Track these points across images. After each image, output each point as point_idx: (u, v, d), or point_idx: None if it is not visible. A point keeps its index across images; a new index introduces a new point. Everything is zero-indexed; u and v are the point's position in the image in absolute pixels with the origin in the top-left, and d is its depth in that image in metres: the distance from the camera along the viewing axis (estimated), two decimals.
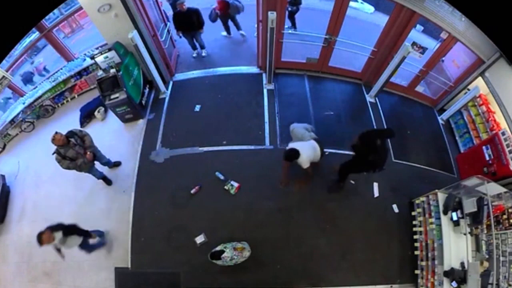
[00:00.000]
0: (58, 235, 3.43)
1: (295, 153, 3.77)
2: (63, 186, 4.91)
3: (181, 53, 6.78)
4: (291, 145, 3.94)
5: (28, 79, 7.40)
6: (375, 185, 4.70)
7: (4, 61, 5.19)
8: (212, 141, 5.03)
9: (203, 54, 6.60)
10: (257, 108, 5.53)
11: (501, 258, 3.62)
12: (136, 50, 4.86)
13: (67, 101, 6.30)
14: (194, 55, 6.62)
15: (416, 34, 7.69)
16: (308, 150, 3.87)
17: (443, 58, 5.86)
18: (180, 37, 6.24)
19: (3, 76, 5.14)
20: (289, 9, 6.58)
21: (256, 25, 5.76)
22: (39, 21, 5.24)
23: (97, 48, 5.80)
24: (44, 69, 7.75)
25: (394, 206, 4.57)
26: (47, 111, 6.14)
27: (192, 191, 4.52)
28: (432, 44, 7.25)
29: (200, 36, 6.35)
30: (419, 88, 6.04)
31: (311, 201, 4.48)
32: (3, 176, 5.36)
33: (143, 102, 5.55)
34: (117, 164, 4.98)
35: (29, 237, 4.67)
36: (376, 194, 4.65)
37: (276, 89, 5.83)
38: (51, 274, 4.32)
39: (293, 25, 7.11)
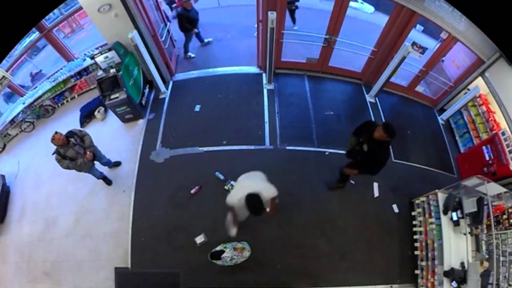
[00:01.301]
0: None
1: (258, 199, 2.92)
2: (63, 186, 4.91)
3: (181, 53, 6.78)
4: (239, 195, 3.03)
5: (9, 96, 7.36)
6: (375, 185, 4.70)
7: (4, 61, 5.21)
8: (212, 141, 5.03)
9: (208, 39, 6.86)
10: (257, 108, 5.52)
11: (501, 258, 3.61)
12: (136, 50, 4.86)
13: (67, 101, 6.30)
14: (193, 55, 6.67)
15: (416, 34, 7.69)
16: (257, 185, 3.12)
17: (443, 58, 5.86)
18: (193, 34, 6.41)
19: (3, 76, 5.13)
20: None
21: (256, 25, 5.76)
22: (39, 21, 5.24)
23: (97, 48, 5.80)
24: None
25: (394, 206, 4.57)
26: (47, 111, 6.14)
27: (192, 191, 4.51)
28: (432, 44, 7.25)
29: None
30: (419, 88, 6.03)
31: (311, 201, 4.48)
32: (3, 176, 5.36)
33: (143, 102, 5.55)
34: (117, 164, 4.97)
35: (29, 237, 4.70)
36: (376, 194, 4.64)
37: (276, 89, 5.83)
38: (51, 274, 4.32)
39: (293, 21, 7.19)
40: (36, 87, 6.17)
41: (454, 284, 3.44)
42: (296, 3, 6.98)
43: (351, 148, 3.72)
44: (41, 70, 7.46)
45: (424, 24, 8.64)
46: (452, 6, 4.14)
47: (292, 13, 7.03)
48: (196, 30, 6.39)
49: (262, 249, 4.04)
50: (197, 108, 5.53)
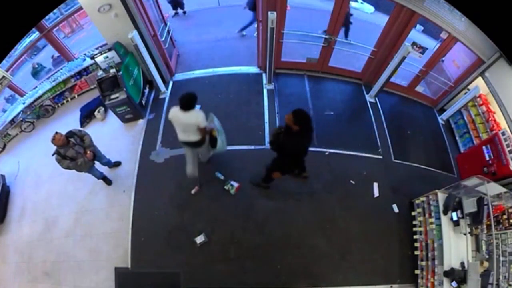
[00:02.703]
0: None
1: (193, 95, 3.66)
2: (63, 186, 4.91)
3: (181, 53, 6.78)
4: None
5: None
6: (375, 185, 4.70)
7: (4, 61, 5.21)
8: None
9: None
10: (257, 108, 5.52)
11: (501, 258, 3.61)
12: (136, 50, 4.86)
13: (67, 101, 6.29)
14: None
15: (416, 34, 7.71)
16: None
17: (443, 58, 5.85)
18: None
19: (3, 76, 5.13)
20: None
21: (256, 25, 5.76)
22: (39, 21, 5.23)
23: (97, 48, 5.80)
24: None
25: (394, 206, 4.57)
26: (47, 111, 6.14)
27: (192, 191, 4.51)
28: (432, 44, 7.27)
29: None
30: (419, 88, 6.03)
31: (311, 201, 4.48)
32: (3, 176, 5.36)
33: (143, 102, 5.55)
34: (117, 164, 4.97)
35: (29, 237, 4.70)
36: (376, 194, 4.64)
37: (276, 89, 5.83)
38: (51, 274, 4.31)
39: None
40: (36, 86, 6.17)
41: (454, 284, 3.44)
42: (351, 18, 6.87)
43: (274, 139, 3.47)
44: None
45: (424, 24, 8.66)
46: (452, 6, 4.14)
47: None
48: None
49: (262, 249, 4.05)
50: (197, 108, 5.51)
